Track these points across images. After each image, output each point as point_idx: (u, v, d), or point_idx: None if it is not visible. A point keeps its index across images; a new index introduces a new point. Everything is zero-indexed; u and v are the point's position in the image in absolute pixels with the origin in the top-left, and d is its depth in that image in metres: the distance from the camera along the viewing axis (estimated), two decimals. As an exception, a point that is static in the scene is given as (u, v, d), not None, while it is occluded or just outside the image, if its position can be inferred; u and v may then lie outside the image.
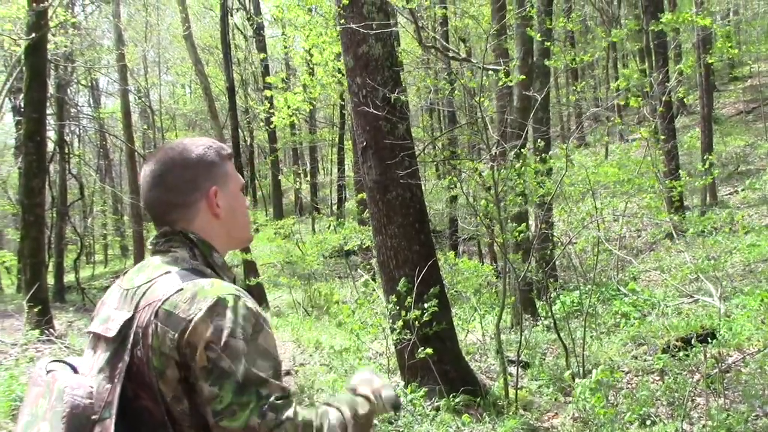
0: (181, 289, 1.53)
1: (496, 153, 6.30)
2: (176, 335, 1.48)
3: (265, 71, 25.39)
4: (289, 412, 1.48)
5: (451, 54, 10.14)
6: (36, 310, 10.61)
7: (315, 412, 1.58)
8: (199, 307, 1.49)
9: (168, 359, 1.48)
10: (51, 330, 10.77)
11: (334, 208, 21.16)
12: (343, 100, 23.63)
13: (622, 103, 10.13)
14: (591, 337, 7.66)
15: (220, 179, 1.74)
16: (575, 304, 9.32)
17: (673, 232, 11.35)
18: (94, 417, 1.50)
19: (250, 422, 1.44)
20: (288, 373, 8.30)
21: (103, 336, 1.60)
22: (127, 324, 1.55)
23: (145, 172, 1.73)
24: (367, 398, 1.76)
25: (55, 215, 20.62)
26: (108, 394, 1.52)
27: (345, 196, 27.28)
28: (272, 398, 1.47)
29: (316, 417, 1.56)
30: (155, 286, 1.58)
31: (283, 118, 14.62)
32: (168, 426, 1.49)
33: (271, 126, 20.12)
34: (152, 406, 1.50)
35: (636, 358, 7.18)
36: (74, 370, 1.66)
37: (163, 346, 1.48)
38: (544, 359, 7.53)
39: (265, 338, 1.52)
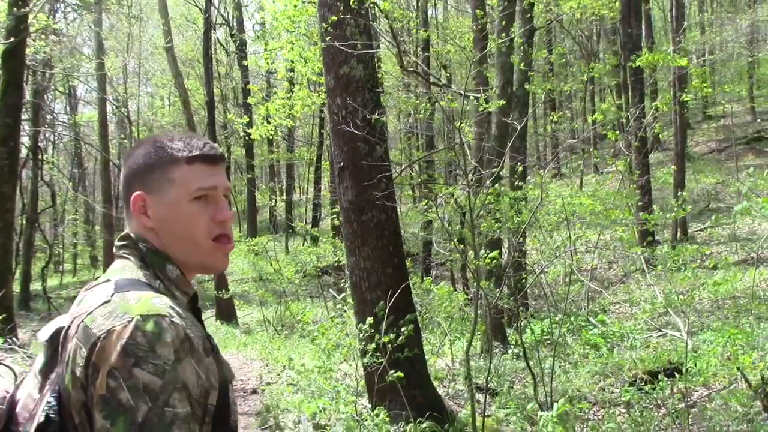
0: (108, 301, 1.32)
1: (472, 178, 6.32)
2: (86, 353, 1.27)
3: (246, 86, 25.37)
4: None
5: (431, 79, 10.22)
6: (0, 317, 10.42)
7: None
8: (113, 324, 1.27)
9: (75, 379, 1.28)
10: (14, 339, 10.56)
11: (309, 227, 21.09)
12: (322, 118, 23.71)
13: (601, 134, 10.27)
14: (559, 367, 7.67)
15: (155, 184, 1.46)
16: (545, 333, 9.34)
17: (644, 266, 11.45)
18: (12, 428, 1.38)
19: None
20: (254, 391, 8.22)
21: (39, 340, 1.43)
22: (59, 332, 1.38)
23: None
24: None
25: (25, 222, 20.36)
26: (34, 406, 1.36)
27: (320, 215, 27.23)
28: None
29: None
30: (90, 294, 1.40)
31: (263, 132, 14.61)
32: None
33: (250, 138, 20.11)
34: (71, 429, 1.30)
35: (603, 389, 7.19)
36: (16, 376, 1.51)
37: (74, 364, 1.28)
38: (513, 387, 7.52)
39: (189, 370, 1.28)
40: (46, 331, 1.42)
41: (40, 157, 21.30)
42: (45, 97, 21.75)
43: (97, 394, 1.23)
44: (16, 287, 16.94)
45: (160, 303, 1.32)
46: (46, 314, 18.03)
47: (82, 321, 1.31)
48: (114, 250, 1.52)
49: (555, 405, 5.67)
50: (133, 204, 1.47)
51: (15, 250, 16.84)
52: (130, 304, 1.30)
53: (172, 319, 1.30)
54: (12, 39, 10.62)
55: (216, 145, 1.53)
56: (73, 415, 1.28)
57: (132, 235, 1.49)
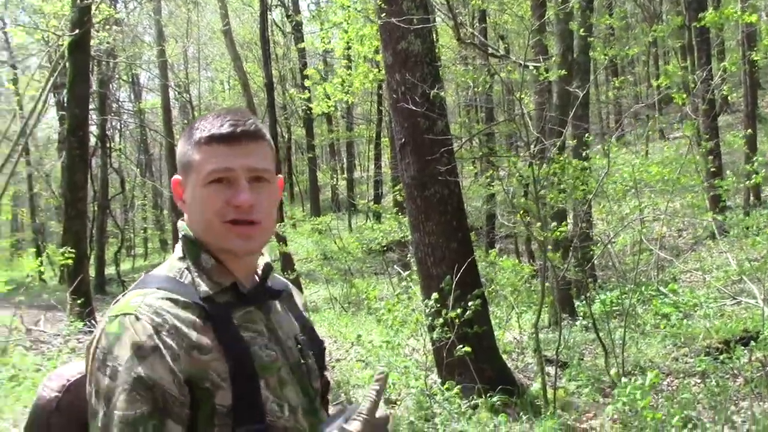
0: (118, 301, 1.37)
1: (535, 149, 6.24)
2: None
3: (304, 67, 25.50)
4: None
5: (489, 51, 10.08)
6: (78, 301, 10.80)
7: None
8: (98, 328, 1.32)
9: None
10: (93, 321, 10.96)
11: (371, 204, 21.17)
12: (380, 95, 23.69)
13: (667, 99, 9.98)
14: (630, 337, 7.55)
15: (185, 168, 1.43)
16: (614, 304, 9.20)
17: (716, 232, 11.13)
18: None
19: None
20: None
21: None
22: None
23: None
24: None
25: (96, 209, 20.99)
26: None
27: (382, 192, 27.30)
28: None
29: None
30: None
31: (323, 107, 14.64)
32: None
33: (311, 114, 20.16)
34: None
35: (677, 360, 7.06)
36: None
37: None
38: (582, 359, 7.44)
39: (158, 368, 1.24)
40: None
41: (108, 145, 21.89)
42: (110, 86, 22.27)
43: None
44: (92, 272, 17.51)
45: (138, 301, 1.31)
46: (121, 297, 18.59)
47: None
48: None
49: (629, 376, 5.60)
50: (172, 187, 1.48)
51: (89, 236, 17.40)
52: (116, 305, 1.33)
53: (139, 316, 1.27)
54: (77, 31, 10.88)
55: (245, 120, 1.42)
56: None
57: (179, 224, 1.49)
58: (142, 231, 33.16)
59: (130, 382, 1.22)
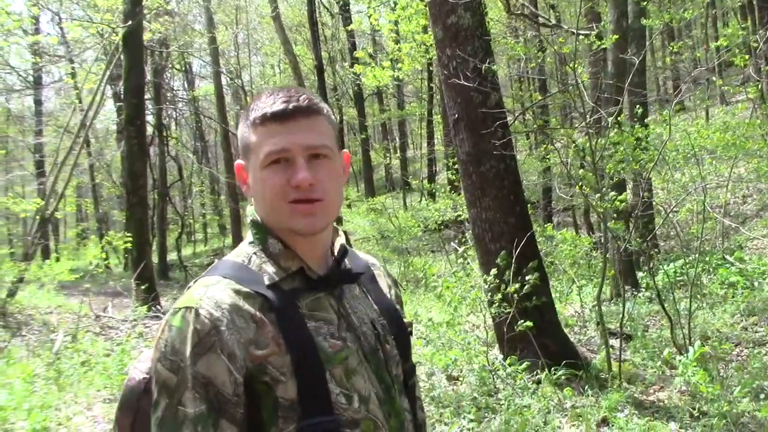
0: (189, 287, 1.36)
1: (590, 120, 6.11)
2: None
3: (353, 48, 25.47)
4: None
5: (540, 21, 9.89)
6: (143, 287, 11.07)
7: None
8: (165, 317, 1.32)
9: None
10: (158, 306, 11.25)
11: (425, 183, 21.10)
12: (430, 72, 23.52)
13: (727, 62, 9.65)
14: (697, 308, 7.38)
15: (245, 151, 1.41)
16: (678, 275, 9.00)
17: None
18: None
19: None
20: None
21: None
22: None
23: None
24: None
25: (156, 196, 21.45)
26: None
27: (435, 171, 27.20)
28: None
29: None
30: None
31: (378, 76, 14.57)
32: None
33: (361, 90, 19.93)
34: None
35: (746, 329, 6.88)
36: None
37: None
38: (647, 331, 7.31)
39: (215, 366, 1.24)
40: None
41: (164, 133, 22.32)
42: (164, 75, 22.66)
43: None
44: (154, 258, 17.93)
45: (201, 293, 1.29)
46: (184, 283, 19.03)
47: None
48: None
49: (691, 348, 5.49)
50: (236, 173, 1.46)
51: (150, 223, 17.81)
52: (184, 295, 1.32)
53: (199, 311, 1.26)
54: (130, 22, 11.07)
55: (298, 96, 1.38)
56: None
57: (248, 209, 1.48)
58: (201, 217, 33.73)
59: (190, 379, 1.23)
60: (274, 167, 1.35)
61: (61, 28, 24.36)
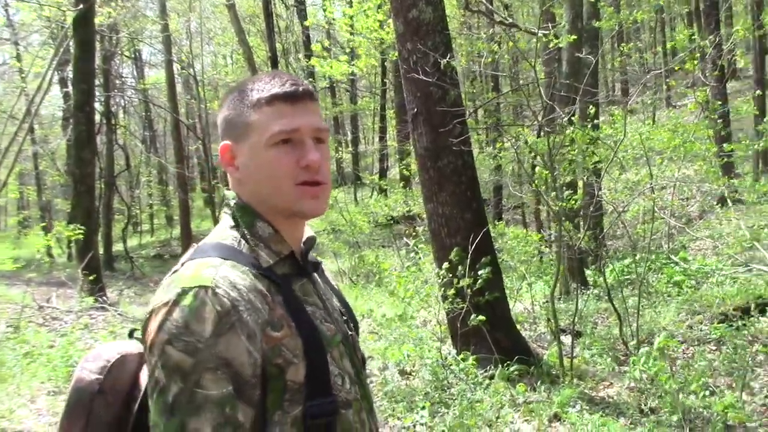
0: (176, 271, 1.30)
1: (543, 120, 6.17)
2: (142, 327, 1.27)
3: (307, 41, 25.31)
4: None
5: (497, 18, 9.95)
6: (90, 278, 10.82)
7: None
8: (162, 299, 1.23)
9: (143, 353, 1.27)
10: (104, 297, 11.00)
11: (377, 178, 21.08)
12: (384, 68, 23.51)
13: (677, 68, 9.88)
14: (644, 306, 7.54)
15: (239, 131, 1.37)
16: (626, 273, 9.18)
17: (728, 199, 11.07)
18: (135, 392, 1.38)
19: None
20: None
21: None
22: None
23: None
24: None
25: (103, 186, 20.98)
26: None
27: (387, 166, 27.22)
28: None
29: None
30: (184, 257, 1.37)
31: (328, 71, 14.53)
32: None
33: (314, 84, 19.95)
34: None
35: (691, 327, 7.05)
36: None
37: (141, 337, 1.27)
38: (596, 328, 7.44)
39: (235, 347, 1.19)
40: None
41: (112, 121, 21.82)
42: (113, 62, 22.17)
43: (147, 371, 1.22)
44: (100, 249, 17.55)
45: (212, 273, 1.24)
46: (130, 274, 18.69)
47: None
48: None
49: (644, 344, 5.59)
50: (221, 154, 1.40)
51: (96, 212, 17.43)
52: (184, 275, 1.25)
53: (216, 290, 1.21)
54: (81, 6, 10.78)
55: (302, 81, 1.39)
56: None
57: (227, 192, 1.43)
58: (148, 207, 33.14)
59: (213, 360, 1.17)
60: (283, 147, 1.34)
61: (7, 11, 23.68)
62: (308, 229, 1.50)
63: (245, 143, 1.36)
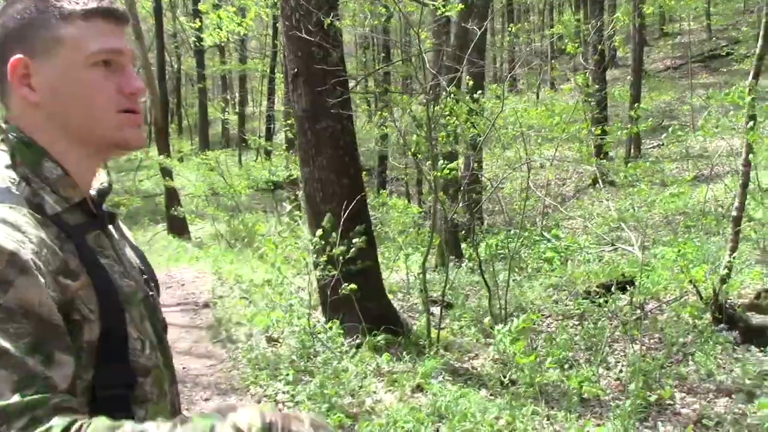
0: None
1: (429, 87, 6.11)
2: None
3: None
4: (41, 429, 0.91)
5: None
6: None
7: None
8: None
9: None
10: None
11: (262, 141, 20.61)
12: (276, 29, 22.93)
13: (561, 49, 10.07)
14: (514, 280, 7.68)
15: (39, 45, 1.13)
16: (500, 248, 9.35)
17: (599, 180, 11.46)
18: None
19: None
20: (206, 305, 8.09)
21: None
22: None
23: None
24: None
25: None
26: None
27: (274, 129, 26.72)
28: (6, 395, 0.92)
29: None
30: None
31: (215, 38, 14.05)
32: None
33: (202, 46, 19.30)
34: None
35: (557, 302, 7.24)
36: None
37: None
38: (467, 300, 7.52)
39: (29, 291, 0.97)
40: None
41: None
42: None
43: None
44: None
45: None
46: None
47: None
48: None
49: (511, 317, 5.67)
50: (11, 71, 1.12)
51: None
52: None
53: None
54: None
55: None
56: None
57: (3, 124, 1.16)
58: None
59: (4, 310, 0.95)
60: (99, 70, 1.14)
61: None
62: (103, 175, 1.28)
63: (49, 60, 1.13)
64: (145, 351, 1.16)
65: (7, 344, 0.93)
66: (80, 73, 1.13)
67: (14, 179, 1.11)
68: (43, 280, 0.99)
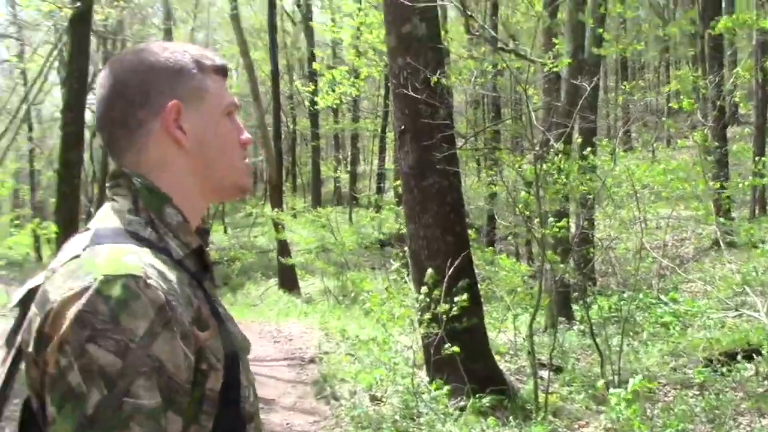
0: (77, 256, 1.02)
1: (539, 144, 6.00)
2: (40, 321, 0.99)
3: (312, 57, 25.27)
4: None
5: (498, 44, 9.84)
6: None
7: None
8: (71, 287, 0.97)
9: (28, 354, 1.00)
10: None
11: (372, 198, 20.90)
12: (387, 88, 23.44)
13: (676, 106, 9.75)
14: (628, 345, 7.32)
15: (190, 93, 1.17)
16: (613, 310, 8.96)
17: (720, 241, 10.88)
18: None
19: None
20: (312, 360, 8.13)
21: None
22: (33, 292, 1.07)
23: (98, 82, 1.21)
24: None
25: (97, 189, 20.82)
26: None
27: (384, 186, 27.06)
28: None
29: None
30: (67, 246, 1.10)
31: (328, 101, 14.56)
32: None
33: (315, 108, 19.93)
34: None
35: (675, 370, 6.84)
36: None
37: (29, 335, 1.00)
38: (577, 365, 7.22)
39: (168, 348, 0.97)
40: (19, 292, 1.12)
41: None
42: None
43: (49, 372, 0.96)
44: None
45: (136, 260, 1.01)
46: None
47: (47, 280, 1.03)
48: (106, 191, 1.18)
49: (625, 384, 5.37)
50: (167, 114, 1.14)
51: (87, 214, 17.23)
52: (96, 262, 1.00)
53: (148, 281, 0.98)
54: (78, 4, 10.64)
55: None
56: (32, 396, 1.01)
57: (125, 170, 1.15)
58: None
59: (148, 364, 0.95)
60: (229, 121, 1.23)
61: (13, 7, 23.69)
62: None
63: (197, 108, 1.18)
64: (250, 398, 1.15)
65: (145, 400, 0.94)
66: (220, 124, 1.21)
67: (141, 223, 1.11)
68: (180, 339, 0.99)
